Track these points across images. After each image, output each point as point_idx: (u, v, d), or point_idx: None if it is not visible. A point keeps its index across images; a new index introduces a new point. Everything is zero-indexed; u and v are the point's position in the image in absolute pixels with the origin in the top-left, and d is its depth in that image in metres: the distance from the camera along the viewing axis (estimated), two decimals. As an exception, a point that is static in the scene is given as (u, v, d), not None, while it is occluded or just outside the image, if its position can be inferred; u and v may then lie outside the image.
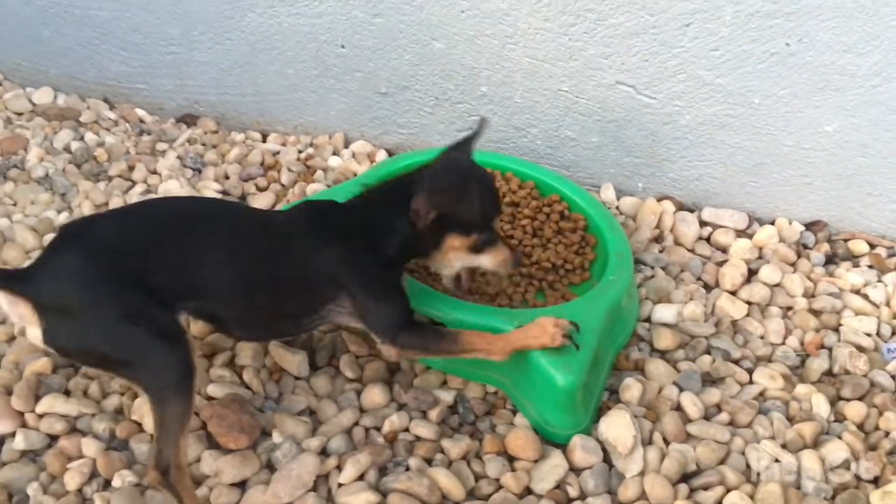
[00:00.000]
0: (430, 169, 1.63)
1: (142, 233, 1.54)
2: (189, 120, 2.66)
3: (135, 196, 2.26)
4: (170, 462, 1.43)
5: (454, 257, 1.70)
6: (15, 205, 2.23)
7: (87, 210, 2.20)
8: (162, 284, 1.49)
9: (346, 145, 2.58)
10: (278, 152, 2.54)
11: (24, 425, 1.63)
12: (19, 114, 2.62)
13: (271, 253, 1.61)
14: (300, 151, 2.54)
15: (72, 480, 1.54)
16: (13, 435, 1.61)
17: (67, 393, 1.70)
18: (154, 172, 2.39)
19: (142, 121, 2.66)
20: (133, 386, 1.51)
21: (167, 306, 1.50)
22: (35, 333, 1.46)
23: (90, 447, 1.59)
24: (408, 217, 1.62)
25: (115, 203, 2.23)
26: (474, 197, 1.63)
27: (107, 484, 1.55)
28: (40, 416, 1.65)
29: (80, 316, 1.45)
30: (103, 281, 1.45)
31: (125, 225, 1.56)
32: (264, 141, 2.61)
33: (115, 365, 1.50)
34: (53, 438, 1.63)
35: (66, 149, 2.46)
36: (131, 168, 2.39)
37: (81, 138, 2.51)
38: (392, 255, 1.65)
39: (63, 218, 2.16)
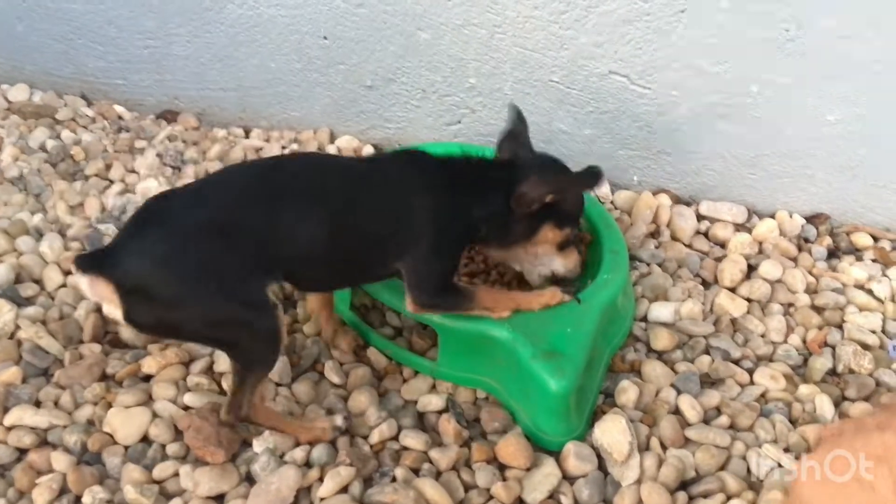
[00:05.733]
0: (532, 160, 1.73)
1: (225, 205, 1.48)
2: (169, 116, 2.57)
3: (111, 196, 2.18)
4: (247, 412, 1.52)
5: (542, 251, 1.73)
6: (-13, 206, 2.15)
7: (61, 211, 2.11)
8: (250, 255, 1.46)
9: (332, 140, 2.50)
10: (262, 148, 2.46)
11: (-9, 439, 1.56)
12: (-6, 112, 2.54)
13: (359, 202, 1.57)
14: (284, 147, 2.46)
15: (40, 497, 1.47)
16: (-20, 449, 1.54)
17: (38, 404, 1.63)
18: (132, 171, 2.31)
19: (120, 117, 2.57)
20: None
21: (256, 276, 1.46)
22: (114, 312, 1.41)
23: (60, 461, 1.53)
24: (506, 198, 1.63)
25: (91, 204, 2.14)
26: (581, 187, 1.74)
27: (77, 500, 1.48)
28: (9, 429, 1.58)
29: (169, 298, 1.41)
30: (193, 263, 1.41)
31: (207, 199, 1.50)
32: (247, 137, 2.53)
33: (205, 339, 1.56)
34: (22, 452, 1.56)
35: (42, 147, 2.37)
36: (108, 167, 2.31)
37: (58, 136, 2.43)
38: (471, 224, 1.65)
39: (37, 220, 2.07)
